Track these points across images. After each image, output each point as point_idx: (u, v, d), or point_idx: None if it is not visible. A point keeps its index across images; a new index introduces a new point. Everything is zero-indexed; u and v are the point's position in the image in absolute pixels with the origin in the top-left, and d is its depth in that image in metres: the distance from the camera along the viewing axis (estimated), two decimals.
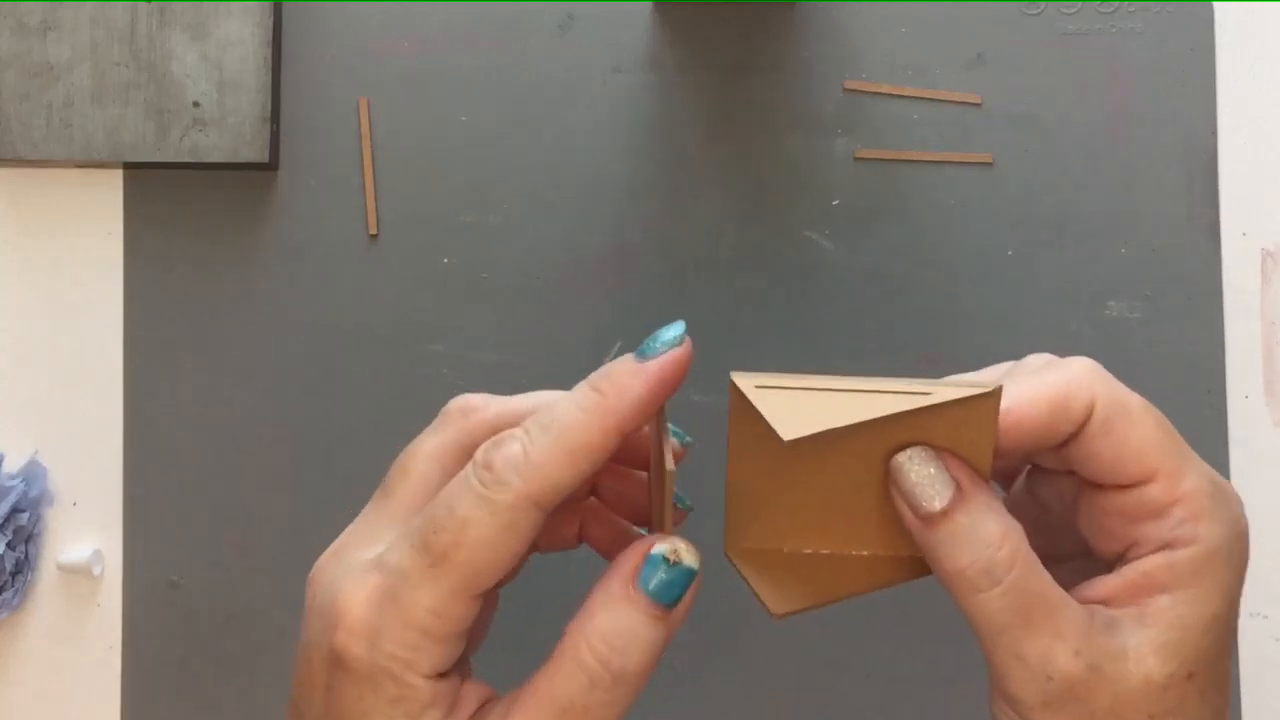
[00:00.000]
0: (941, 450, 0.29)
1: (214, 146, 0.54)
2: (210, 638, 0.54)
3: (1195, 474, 0.29)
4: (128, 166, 0.55)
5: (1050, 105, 0.55)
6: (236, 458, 0.55)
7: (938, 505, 0.29)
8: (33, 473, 0.54)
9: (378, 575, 0.29)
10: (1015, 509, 0.34)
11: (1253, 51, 0.55)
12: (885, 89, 0.55)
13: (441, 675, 0.28)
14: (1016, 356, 0.32)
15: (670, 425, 0.31)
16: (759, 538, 0.32)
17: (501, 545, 0.28)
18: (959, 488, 0.29)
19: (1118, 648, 0.28)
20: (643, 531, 0.35)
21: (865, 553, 0.32)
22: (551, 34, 0.55)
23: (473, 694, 0.30)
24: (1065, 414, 0.29)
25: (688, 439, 0.33)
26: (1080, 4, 0.55)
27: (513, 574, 0.32)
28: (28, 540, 0.53)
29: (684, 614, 0.29)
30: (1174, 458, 0.29)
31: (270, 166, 0.54)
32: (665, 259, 0.54)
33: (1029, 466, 0.34)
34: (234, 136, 0.54)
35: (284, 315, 0.55)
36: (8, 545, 0.52)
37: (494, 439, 0.31)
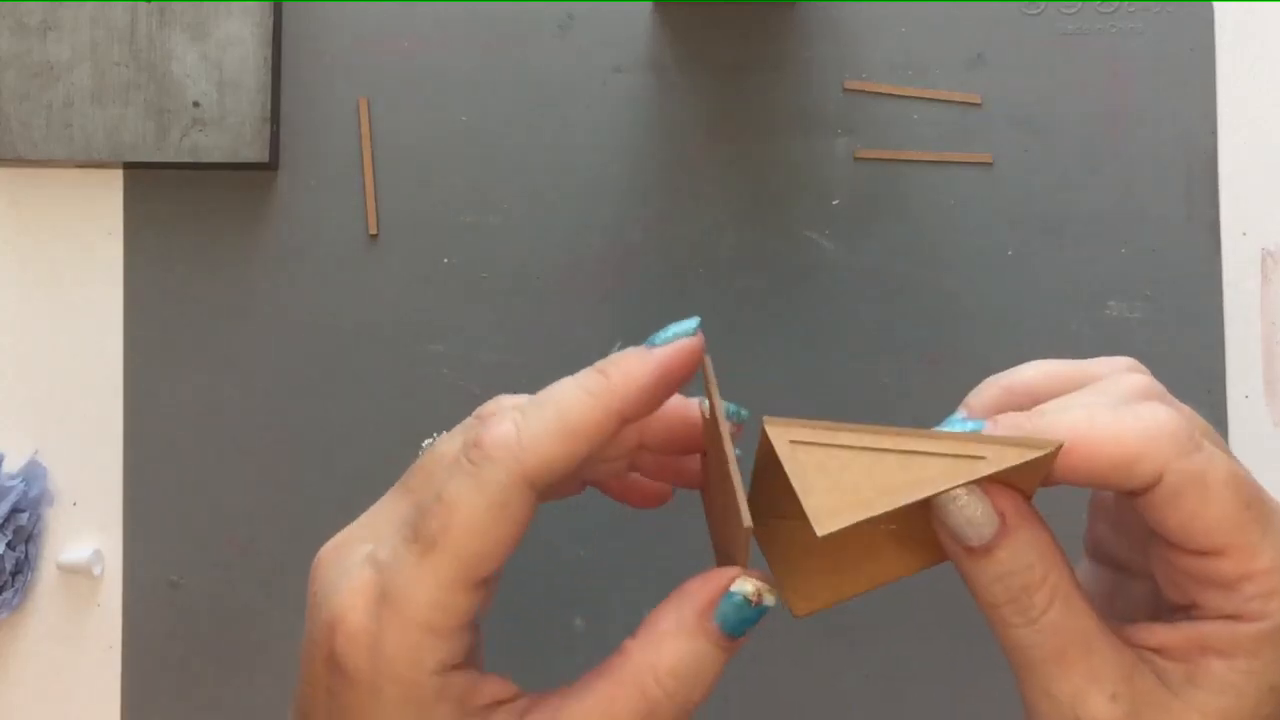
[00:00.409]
0: (988, 484, 0.28)
1: (214, 146, 0.54)
2: (210, 638, 0.54)
3: (1273, 549, 0.27)
4: (128, 166, 0.55)
5: (1050, 105, 0.55)
6: (236, 458, 0.54)
7: (980, 541, 0.28)
8: (33, 473, 0.54)
9: (370, 572, 0.27)
10: (1099, 506, 0.33)
11: (1253, 51, 0.55)
12: (885, 89, 0.55)
13: (450, 668, 0.27)
14: (1017, 358, 0.32)
15: (727, 404, 0.29)
16: (781, 509, 0.30)
17: (493, 528, 0.26)
18: (1003, 523, 0.28)
19: (1161, 700, 0.27)
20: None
21: (892, 527, 0.31)
22: (552, 34, 0.55)
23: (490, 687, 0.28)
24: (1128, 475, 0.27)
25: (744, 414, 0.31)
26: (1080, 4, 0.55)
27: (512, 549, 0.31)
28: (28, 540, 0.53)
29: (743, 644, 0.29)
30: (1250, 533, 0.27)
31: (270, 166, 0.54)
32: (665, 259, 0.54)
33: None
34: (234, 136, 0.54)
35: (284, 315, 0.55)
36: (8, 545, 0.52)
37: (482, 413, 0.30)
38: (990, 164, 0.54)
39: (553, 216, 0.55)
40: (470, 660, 0.28)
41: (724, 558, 0.31)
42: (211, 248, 0.55)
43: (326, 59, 0.55)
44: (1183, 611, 0.28)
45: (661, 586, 0.54)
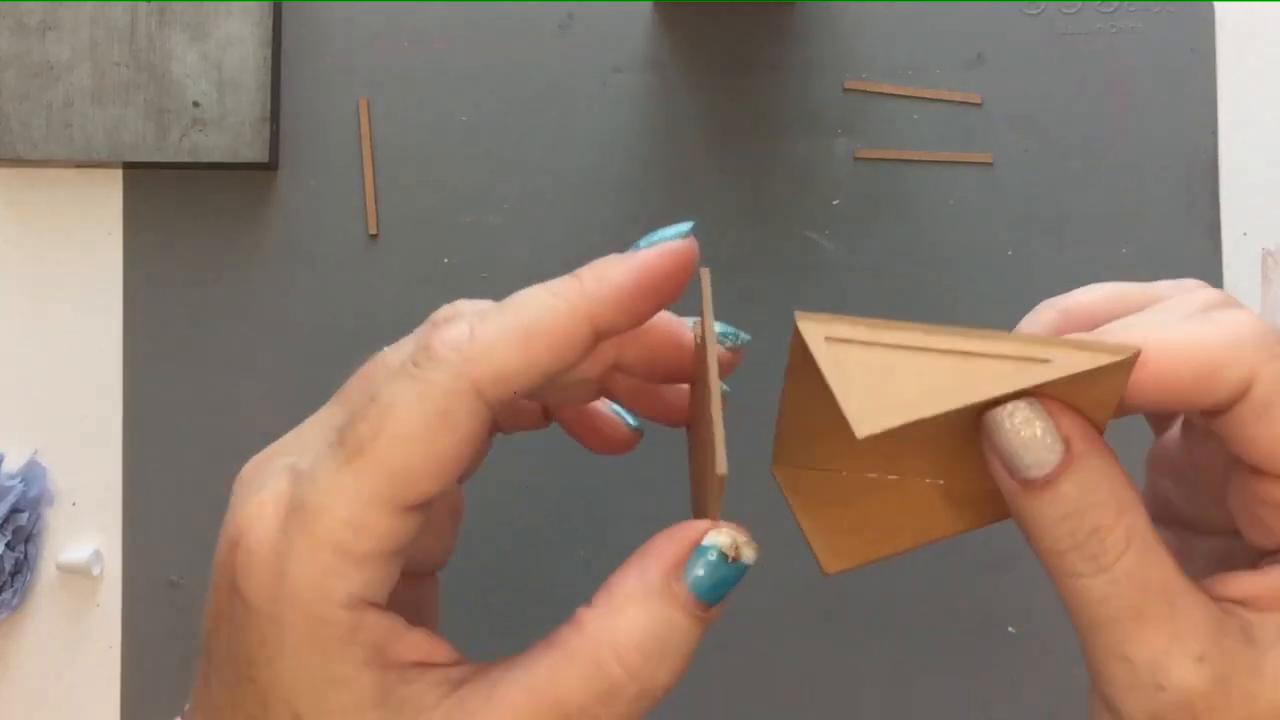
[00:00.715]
0: (1050, 401, 0.24)
1: (214, 146, 0.53)
2: None
3: None
4: (127, 166, 0.55)
5: (1050, 105, 0.55)
6: (236, 457, 0.54)
7: (1040, 472, 0.23)
8: (32, 473, 0.54)
9: (285, 483, 0.24)
10: (1162, 458, 0.29)
11: (1254, 51, 0.55)
12: (885, 89, 0.55)
13: (365, 605, 0.23)
14: None
15: (722, 327, 0.26)
16: (811, 459, 0.27)
17: (431, 439, 0.22)
18: (1069, 449, 0.23)
19: (1253, 661, 0.23)
20: (623, 417, 0.29)
21: (940, 482, 0.26)
22: (551, 34, 0.55)
23: (418, 643, 0.24)
24: (1211, 385, 0.23)
25: (744, 337, 0.27)
26: (1080, 4, 0.55)
27: (462, 478, 0.26)
28: (27, 540, 0.53)
29: (720, 612, 0.24)
30: None
31: (270, 166, 0.54)
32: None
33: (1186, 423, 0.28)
34: (234, 136, 0.53)
35: (284, 315, 0.55)
36: (7, 545, 0.52)
37: (436, 317, 0.26)
38: (990, 164, 0.54)
39: (553, 216, 0.55)
40: (398, 607, 0.24)
41: (699, 511, 0.27)
42: (211, 248, 0.55)
43: (326, 59, 0.55)
44: (1272, 557, 0.25)
45: None
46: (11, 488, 0.52)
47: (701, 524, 0.24)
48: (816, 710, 0.53)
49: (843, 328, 0.23)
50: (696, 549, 0.24)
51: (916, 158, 0.54)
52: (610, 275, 0.24)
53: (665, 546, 0.24)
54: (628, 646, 0.23)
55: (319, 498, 0.22)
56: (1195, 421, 0.26)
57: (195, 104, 0.54)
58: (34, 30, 0.54)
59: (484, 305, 0.25)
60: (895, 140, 0.55)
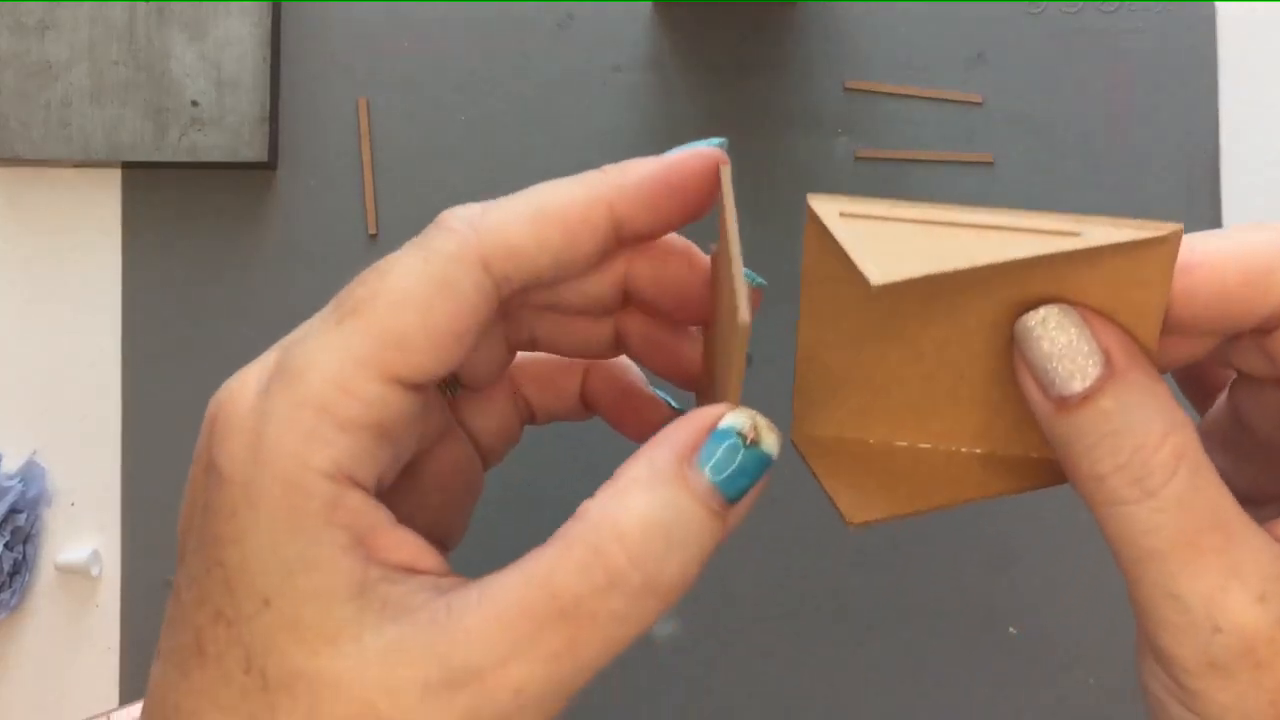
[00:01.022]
0: (1088, 311, 0.22)
1: (213, 146, 0.53)
2: None
3: None
4: (126, 166, 0.55)
5: (1051, 105, 0.55)
6: None
7: (1077, 385, 0.21)
8: (31, 473, 0.54)
9: (273, 353, 0.22)
10: (1213, 436, 0.26)
11: (1255, 51, 0.55)
12: (886, 88, 0.55)
13: (348, 482, 0.21)
14: None
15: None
16: (836, 424, 0.25)
17: (431, 304, 0.21)
18: (1110, 362, 0.21)
19: None
20: (665, 399, 0.27)
21: (977, 450, 0.25)
22: (551, 33, 0.55)
23: (409, 545, 0.21)
24: (1264, 289, 0.21)
25: (760, 280, 0.25)
26: (1082, 4, 0.55)
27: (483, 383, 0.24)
28: (26, 540, 0.53)
29: (743, 516, 0.22)
30: None
31: (269, 166, 0.54)
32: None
33: (1232, 380, 0.26)
34: (233, 136, 0.53)
35: (283, 315, 0.54)
36: (6, 545, 0.52)
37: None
38: (991, 163, 0.54)
39: None
40: (388, 501, 0.22)
41: (715, 395, 0.24)
42: (210, 247, 0.55)
43: (326, 58, 0.55)
44: None
45: None
46: (10, 488, 0.52)
47: (718, 407, 0.21)
48: (817, 710, 0.53)
49: (858, 205, 0.22)
50: (713, 433, 0.21)
51: (917, 157, 0.54)
52: (635, 167, 0.23)
53: (679, 430, 0.21)
54: (631, 530, 0.20)
55: (304, 357, 0.21)
56: (1248, 365, 0.23)
57: (194, 103, 0.54)
58: (32, 30, 0.54)
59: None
60: (896, 140, 0.55)
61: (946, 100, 0.55)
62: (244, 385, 0.22)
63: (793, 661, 0.53)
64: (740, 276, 0.21)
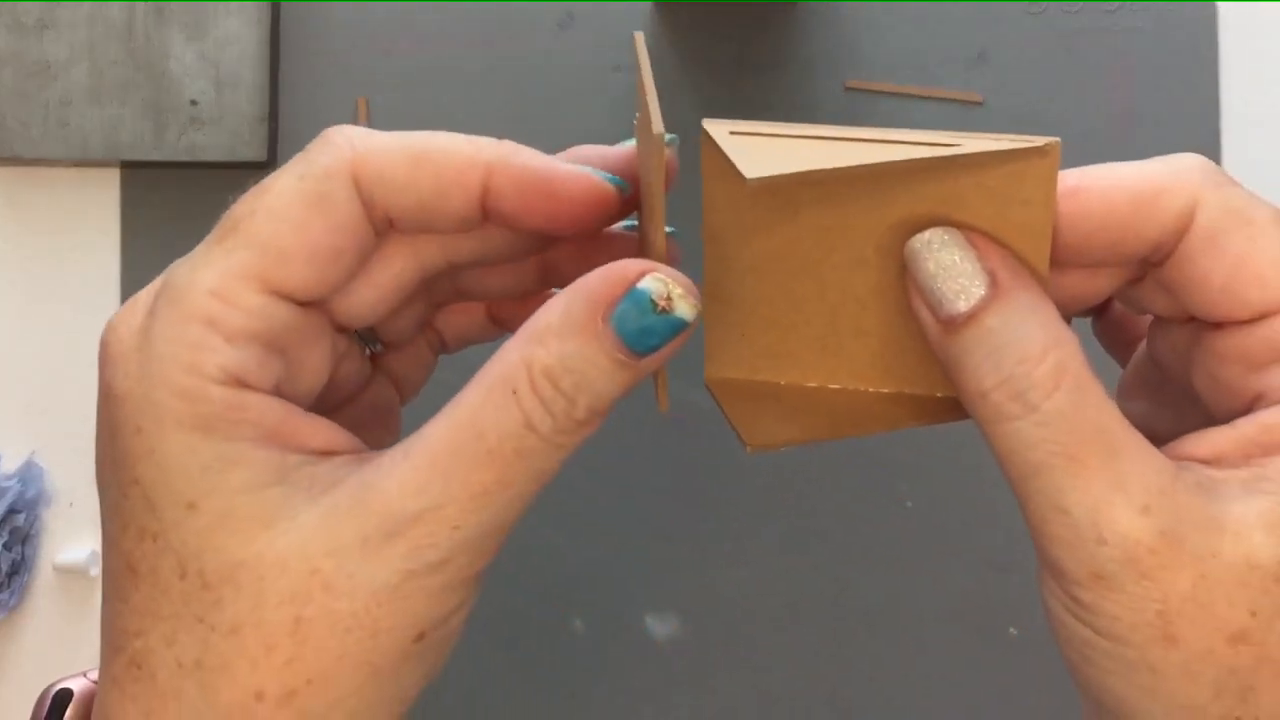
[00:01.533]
0: (974, 233, 0.22)
1: (212, 145, 0.53)
2: None
3: None
4: (125, 165, 0.55)
5: (1052, 104, 0.54)
6: None
7: (962, 305, 0.21)
8: (30, 473, 0.54)
9: (158, 280, 0.23)
10: (1131, 382, 0.27)
11: (1257, 51, 0.55)
12: (887, 88, 0.55)
13: (244, 386, 0.21)
14: None
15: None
16: (747, 364, 0.25)
17: (307, 220, 0.21)
18: (994, 282, 0.22)
19: (1212, 515, 0.21)
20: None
21: (884, 390, 0.25)
22: (551, 33, 0.55)
23: (323, 432, 0.22)
24: (1152, 212, 0.22)
25: (672, 137, 0.24)
26: (1083, 3, 0.55)
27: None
28: (24, 541, 0.53)
29: (656, 365, 0.22)
30: None
31: (269, 165, 0.54)
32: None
33: (1150, 325, 0.26)
34: (232, 135, 0.53)
35: None
36: (4, 546, 0.52)
37: None
38: None
39: None
40: (297, 398, 0.23)
41: (644, 250, 0.25)
42: None
43: (325, 58, 0.55)
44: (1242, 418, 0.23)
45: (661, 588, 0.54)
46: (9, 488, 0.52)
47: (639, 264, 0.22)
48: (817, 710, 0.53)
49: (750, 125, 0.22)
50: (630, 291, 0.21)
51: None
52: (526, 155, 0.23)
53: (596, 282, 0.22)
54: (542, 369, 0.21)
55: (188, 275, 0.22)
56: (1151, 304, 0.24)
57: (193, 103, 0.53)
58: (31, 29, 0.53)
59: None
60: None
61: (947, 100, 0.55)
62: (131, 310, 0.23)
63: (793, 661, 0.53)
64: (654, 100, 0.21)
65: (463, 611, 0.22)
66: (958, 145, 0.21)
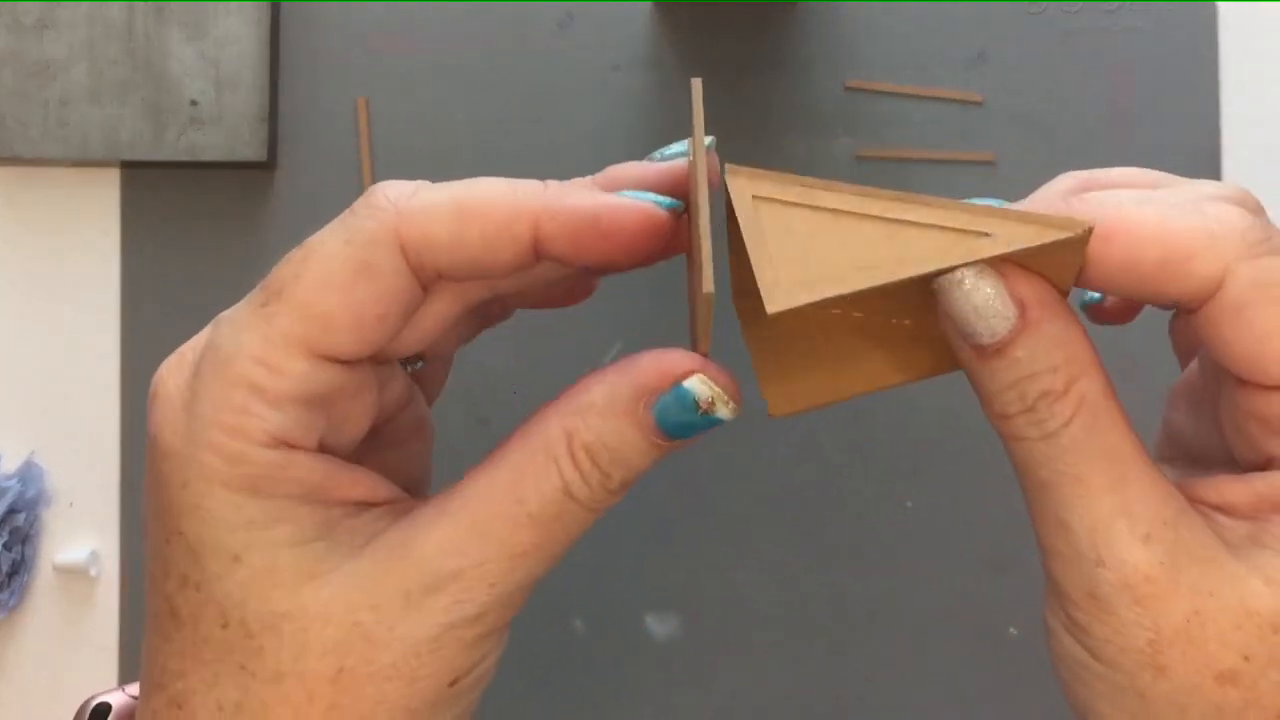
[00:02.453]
0: (1004, 264, 0.22)
1: (211, 145, 0.53)
2: None
3: None
4: (125, 165, 0.55)
5: (1052, 104, 0.54)
6: None
7: (991, 339, 0.22)
8: (29, 473, 0.54)
9: (207, 331, 0.23)
10: (1181, 390, 0.27)
11: (1256, 50, 0.55)
12: (887, 88, 0.55)
13: (289, 448, 0.22)
14: None
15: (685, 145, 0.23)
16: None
17: (352, 286, 0.22)
18: (1023, 313, 0.22)
19: (1214, 555, 0.21)
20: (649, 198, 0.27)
21: (906, 322, 0.25)
22: (551, 32, 0.55)
23: (361, 481, 0.23)
24: (1179, 274, 0.22)
25: (710, 140, 0.25)
26: (1083, 3, 0.55)
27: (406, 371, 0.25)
28: (24, 541, 0.53)
29: (685, 447, 0.23)
30: None
31: (268, 165, 0.54)
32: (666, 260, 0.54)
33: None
34: (232, 135, 0.53)
35: None
36: (4, 546, 0.52)
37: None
38: (993, 162, 0.54)
39: None
40: (334, 451, 0.23)
41: (693, 341, 0.25)
42: (209, 247, 0.55)
43: (325, 58, 0.55)
44: (1258, 471, 0.23)
45: (662, 588, 0.54)
46: (9, 488, 0.52)
47: (689, 360, 0.23)
48: (817, 710, 0.53)
49: (772, 186, 0.22)
50: (675, 387, 0.22)
51: (919, 157, 0.54)
52: (572, 197, 0.23)
53: (645, 370, 0.22)
54: (581, 451, 0.22)
55: (233, 338, 0.22)
56: (1178, 321, 0.25)
57: (193, 102, 0.53)
58: (30, 29, 0.53)
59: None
60: (897, 139, 0.54)
61: (947, 99, 0.55)
62: (180, 364, 0.23)
63: (793, 661, 0.53)
64: (707, 246, 0.21)
65: (494, 656, 0.24)
66: (988, 235, 0.21)
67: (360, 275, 0.22)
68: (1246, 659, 0.21)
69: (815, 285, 0.21)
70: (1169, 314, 0.28)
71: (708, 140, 0.23)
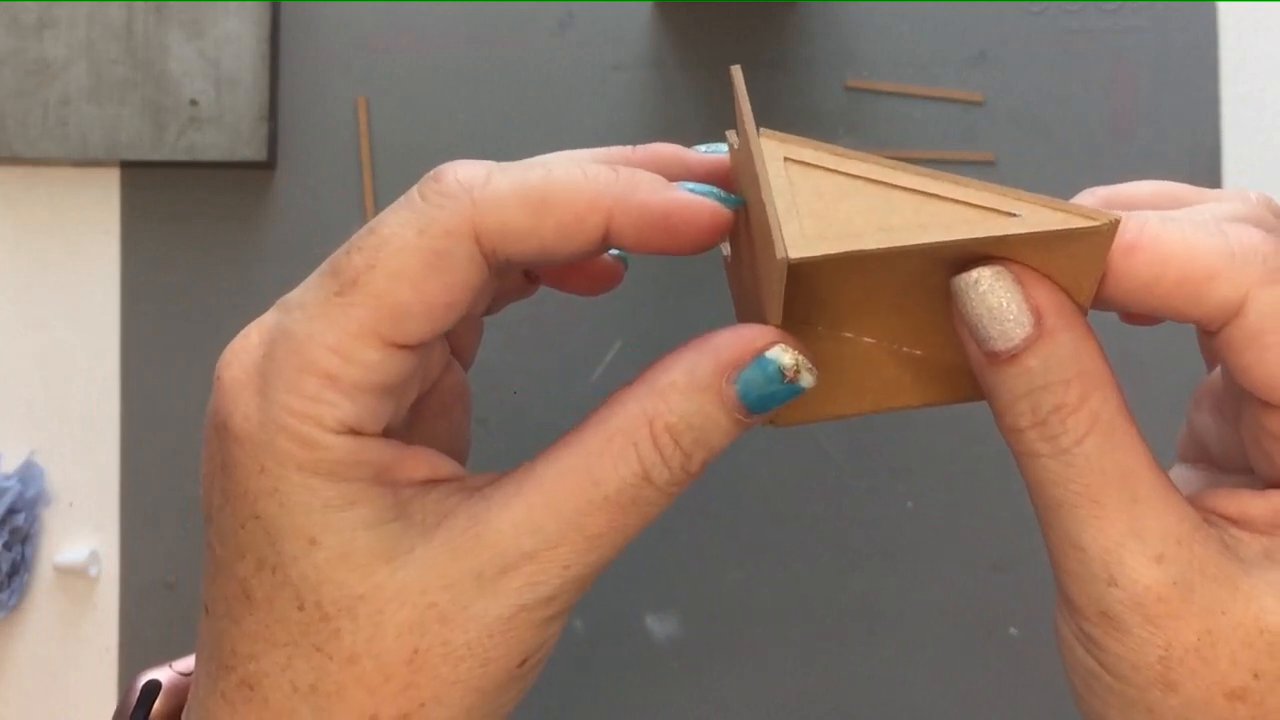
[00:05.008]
0: (1022, 270, 0.22)
1: (211, 145, 0.53)
2: None
3: None
4: (125, 165, 0.55)
5: (1053, 104, 0.54)
6: None
7: (1005, 344, 0.22)
8: (29, 473, 0.54)
9: (272, 315, 0.23)
10: (1205, 393, 0.28)
11: (1256, 50, 0.55)
12: (887, 87, 0.55)
13: (361, 436, 0.22)
14: None
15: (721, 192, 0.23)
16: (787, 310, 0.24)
17: (426, 278, 0.22)
18: (1039, 321, 0.21)
19: (1227, 573, 0.21)
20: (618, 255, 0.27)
21: (917, 352, 0.25)
22: (551, 32, 0.55)
23: (424, 460, 0.23)
24: (1198, 295, 0.22)
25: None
26: (1083, 3, 0.55)
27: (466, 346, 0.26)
28: (24, 541, 0.53)
29: (763, 422, 0.23)
30: None
31: (268, 165, 0.54)
32: (667, 258, 0.54)
33: None
34: (232, 135, 0.53)
35: None
36: (4, 546, 0.52)
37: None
38: (993, 162, 0.54)
39: None
40: (391, 429, 0.24)
41: (749, 314, 0.25)
42: (209, 247, 0.55)
43: (325, 57, 0.55)
44: (1277, 488, 0.23)
45: (662, 588, 0.54)
46: (9, 488, 0.52)
47: (771, 333, 0.22)
48: (817, 710, 0.53)
49: (804, 150, 0.22)
50: (759, 359, 0.22)
51: (919, 156, 0.54)
52: (644, 190, 0.23)
53: (726, 345, 0.22)
54: (664, 432, 0.22)
55: (307, 325, 0.22)
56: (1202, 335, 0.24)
57: (193, 102, 0.53)
58: (30, 28, 0.53)
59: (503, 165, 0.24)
60: (897, 139, 0.54)
61: (948, 99, 0.55)
62: (246, 346, 0.23)
63: (793, 661, 0.53)
64: (774, 212, 0.21)
65: (558, 636, 0.23)
66: (1015, 215, 0.21)
67: (434, 266, 0.22)
68: (1256, 676, 0.21)
69: (837, 240, 0.21)
70: None
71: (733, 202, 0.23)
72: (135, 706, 0.27)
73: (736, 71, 0.23)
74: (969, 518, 0.53)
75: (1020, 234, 0.21)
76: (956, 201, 0.21)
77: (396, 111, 0.55)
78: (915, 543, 0.53)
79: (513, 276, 0.28)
